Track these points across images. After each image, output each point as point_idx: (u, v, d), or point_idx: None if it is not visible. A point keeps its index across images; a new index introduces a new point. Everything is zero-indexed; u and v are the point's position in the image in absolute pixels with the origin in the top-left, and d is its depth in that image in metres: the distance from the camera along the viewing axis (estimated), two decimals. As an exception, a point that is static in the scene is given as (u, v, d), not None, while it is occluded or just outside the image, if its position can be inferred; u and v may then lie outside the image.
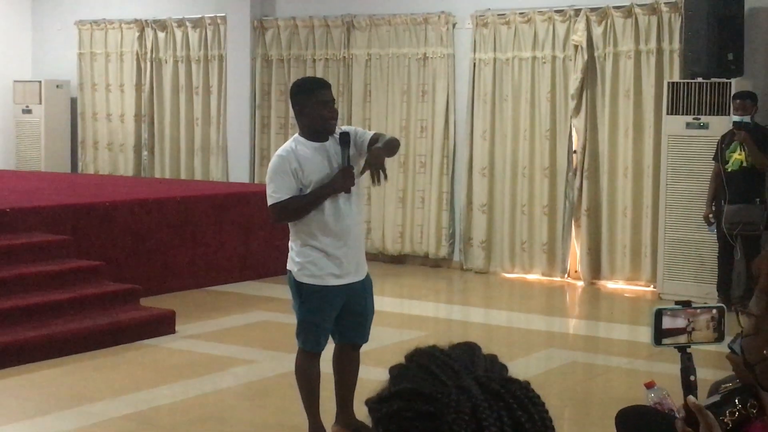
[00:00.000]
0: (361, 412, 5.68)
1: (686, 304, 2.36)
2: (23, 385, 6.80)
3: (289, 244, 5.43)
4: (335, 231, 5.31)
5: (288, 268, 5.42)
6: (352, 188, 5.36)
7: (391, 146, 5.47)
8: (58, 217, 9.00)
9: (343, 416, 5.73)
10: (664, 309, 2.33)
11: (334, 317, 5.44)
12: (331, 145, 5.35)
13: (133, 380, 6.94)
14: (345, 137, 5.35)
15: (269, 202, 5.29)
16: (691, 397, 2.03)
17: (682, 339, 2.34)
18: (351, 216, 5.38)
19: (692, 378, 2.34)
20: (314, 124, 5.31)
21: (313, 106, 5.28)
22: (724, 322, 2.36)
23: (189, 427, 6.06)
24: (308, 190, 5.27)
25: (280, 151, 5.35)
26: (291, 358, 7.58)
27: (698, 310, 2.35)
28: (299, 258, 5.33)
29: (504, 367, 1.33)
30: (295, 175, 5.25)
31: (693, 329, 2.34)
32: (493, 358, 1.34)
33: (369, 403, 1.30)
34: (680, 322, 2.34)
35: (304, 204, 5.26)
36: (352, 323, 5.52)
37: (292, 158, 5.26)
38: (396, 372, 1.32)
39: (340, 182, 5.28)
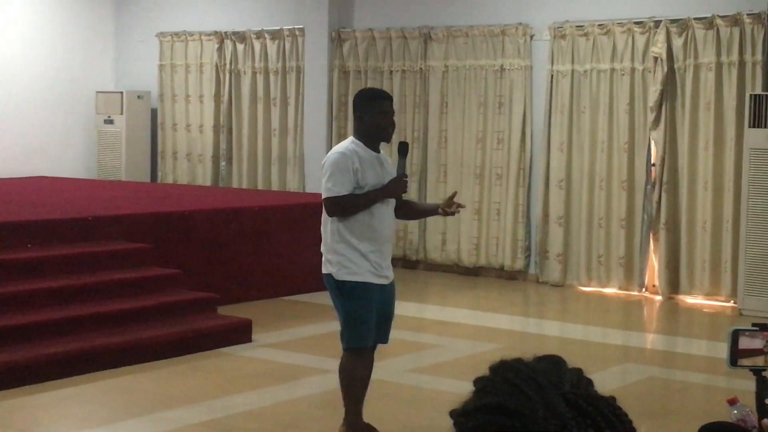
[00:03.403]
0: (426, 421, 5.66)
1: (764, 326, 2.31)
2: (101, 391, 6.90)
3: (323, 248, 5.59)
4: (376, 233, 5.51)
5: (324, 272, 5.57)
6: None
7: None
8: (138, 225, 9.14)
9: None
10: (741, 329, 2.29)
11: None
12: (383, 157, 5.63)
13: (209, 388, 7.01)
14: (404, 147, 5.65)
15: (326, 194, 5.47)
16: (765, 421, 1.99)
17: (760, 361, 2.30)
18: (389, 221, 5.64)
19: (767, 401, 2.29)
20: (373, 132, 5.54)
21: (375, 114, 5.52)
22: None
23: (264, 435, 6.09)
24: (361, 191, 5.48)
25: (341, 148, 5.54)
26: (365, 368, 7.61)
27: None
28: (337, 257, 5.49)
29: (590, 382, 1.31)
30: (355, 174, 5.45)
31: None
32: (578, 373, 1.32)
33: (453, 415, 1.29)
34: (757, 343, 2.30)
35: (360, 203, 5.46)
36: (379, 325, 5.64)
37: (354, 158, 5.47)
38: (481, 384, 1.30)
39: (394, 188, 5.53)
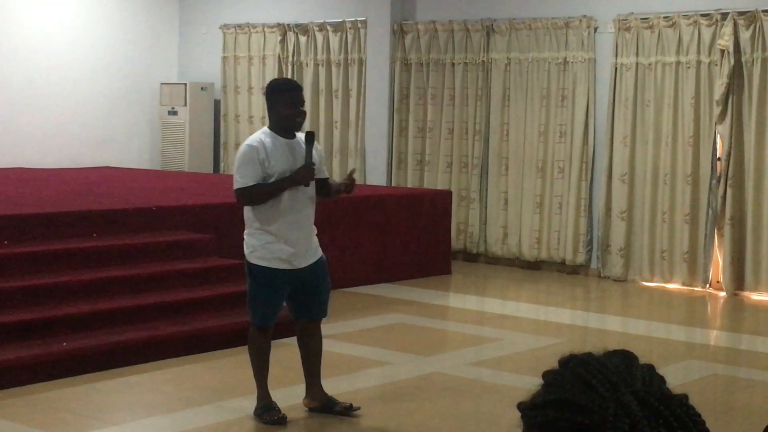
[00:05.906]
0: (475, 409, 5.65)
1: None
2: (163, 380, 6.98)
3: (244, 232, 5.97)
4: (289, 219, 5.85)
5: (244, 252, 5.96)
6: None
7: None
8: (201, 216, 9.22)
9: (311, 389, 6.21)
10: None
11: (284, 298, 5.99)
12: (297, 142, 5.91)
13: (270, 378, 7.03)
14: (310, 136, 5.92)
15: (235, 186, 5.87)
16: None
17: None
18: (304, 207, 5.93)
19: None
20: (282, 121, 5.87)
21: (283, 105, 5.85)
22: None
23: (323, 426, 6.13)
24: (271, 180, 5.81)
25: (250, 141, 5.89)
26: (427, 361, 7.63)
27: None
28: (253, 241, 5.89)
29: (662, 380, 1.29)
30: (262, 165, 5.79)
31: None
32: (650, 369, 1.30)
33: (521, 408, 1.29)
34: None
35: (266, 191, 5.80)
36: (308, 301, 6.05)
37: (261, 149, 5.81)
38: (550, 378, 1.29)
39: (301, 176, 5.81)
